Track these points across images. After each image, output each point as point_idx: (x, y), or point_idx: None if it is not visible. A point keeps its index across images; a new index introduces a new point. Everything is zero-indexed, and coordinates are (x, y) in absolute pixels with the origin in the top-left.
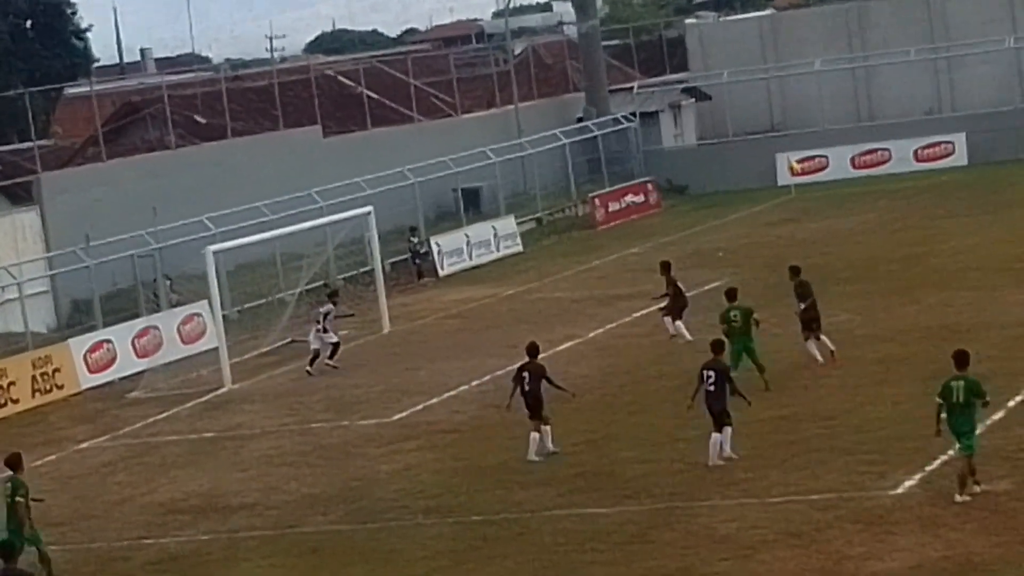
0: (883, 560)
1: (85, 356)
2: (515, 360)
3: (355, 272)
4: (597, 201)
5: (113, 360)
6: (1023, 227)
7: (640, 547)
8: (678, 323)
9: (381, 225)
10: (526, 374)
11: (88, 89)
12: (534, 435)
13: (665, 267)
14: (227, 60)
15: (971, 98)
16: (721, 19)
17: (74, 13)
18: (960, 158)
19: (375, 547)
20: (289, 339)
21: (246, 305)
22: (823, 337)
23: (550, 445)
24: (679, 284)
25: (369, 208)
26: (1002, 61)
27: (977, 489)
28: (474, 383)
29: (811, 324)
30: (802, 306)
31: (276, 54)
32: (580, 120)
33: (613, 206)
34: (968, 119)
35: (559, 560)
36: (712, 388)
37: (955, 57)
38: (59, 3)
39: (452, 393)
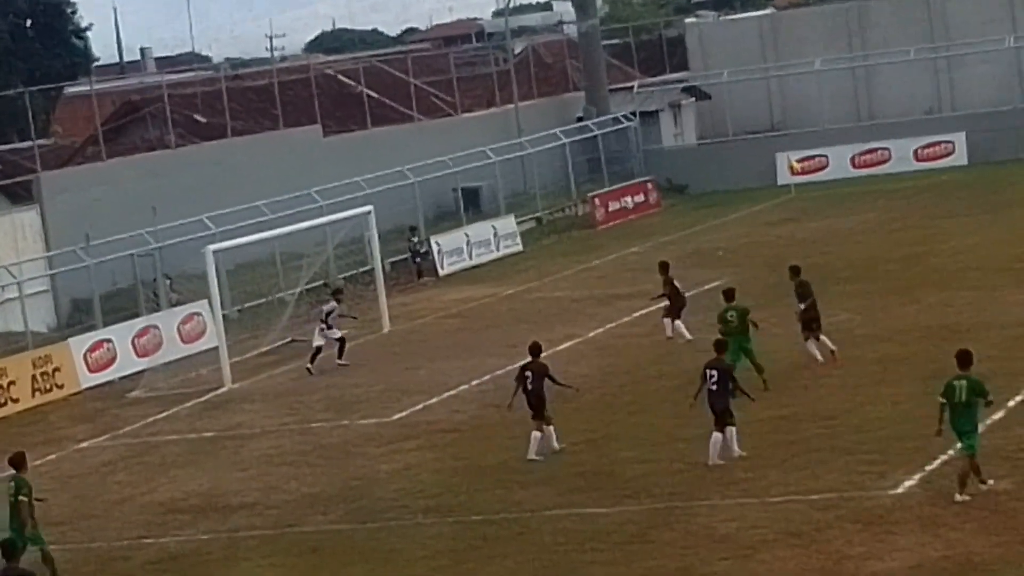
0: (883, 560)
1: (85, 355)
2: (515, 360)
3: (355, 272)
4: (597, 200)
5: (113, 359)
6: (1023, 227)
7: (640, 547)
8: (677, 323)
9: (381, 224)
10: (529, 373)
11: (88, 88)
12: (535, 434)
13: (663, 267)
14: (227, 59)
15: (971, 98)
16: (721, 18)
17: (74, 12)
18: (960, 158)
19: (375, 546)
20: (289, 339)
21: (246, 304)
22: (823, 337)
23: (555, 444)
24: (676, 284)
25: (369, 207)
26: (1002, 61)
27: (984, 487)
28: (474, 383)
29: (811, 324)
30: (802, 307)
31: (276, 53)
32: (580, 119)
33: (613, 205)
34: (968, 119)
35: (559, 560)
36: (714, 387)
37: (955, 57)
38: (59, 2)
39: (452, 392)
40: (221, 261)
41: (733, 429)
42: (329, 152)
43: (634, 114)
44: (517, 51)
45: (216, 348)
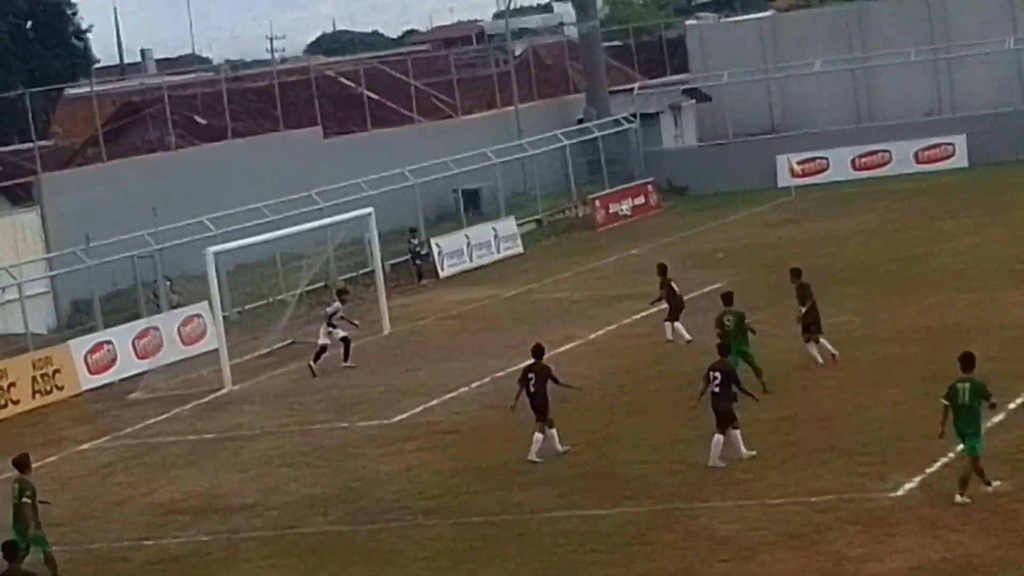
0: (883, 561)
1: (85, 357)
2: (515, 361)
3: (355, 273)
4: (597, 202)
5: (113, 361)
6: (1023, 228)
7: (640, 548)
8: (676, 325)
9: (381, 226)
10: (532, 375)
11: (88, 89)
12: (537, 435)
13: (661, 269)
14: (227, 61)
15: (971, 99)
16: (721, 20)
17: (74, 13)
18: (960, 159)
19: (375, 548)
20: (289, 340)
21: (246, 306)
22: (823, 340)
23: (558, 446)
24: (674, 286)
25: (369, 209)
26: (1002, 62)
27: (988, 489)
28: (474, 384)
29: (810, 326)
30: (803, 310)
31: (276, 55)
32: (580, 121)
33: (613, 207)
34: (968, 120)
35: (559, 561)
36: (717, 389)
37: (955, 58)
38: (59, 3)
39: (452, 394)
40: (221, 262)
41: (737, 432)
42: (329, 153)
43: (634, 116)
44: (517, 53)
45: (216, 350)
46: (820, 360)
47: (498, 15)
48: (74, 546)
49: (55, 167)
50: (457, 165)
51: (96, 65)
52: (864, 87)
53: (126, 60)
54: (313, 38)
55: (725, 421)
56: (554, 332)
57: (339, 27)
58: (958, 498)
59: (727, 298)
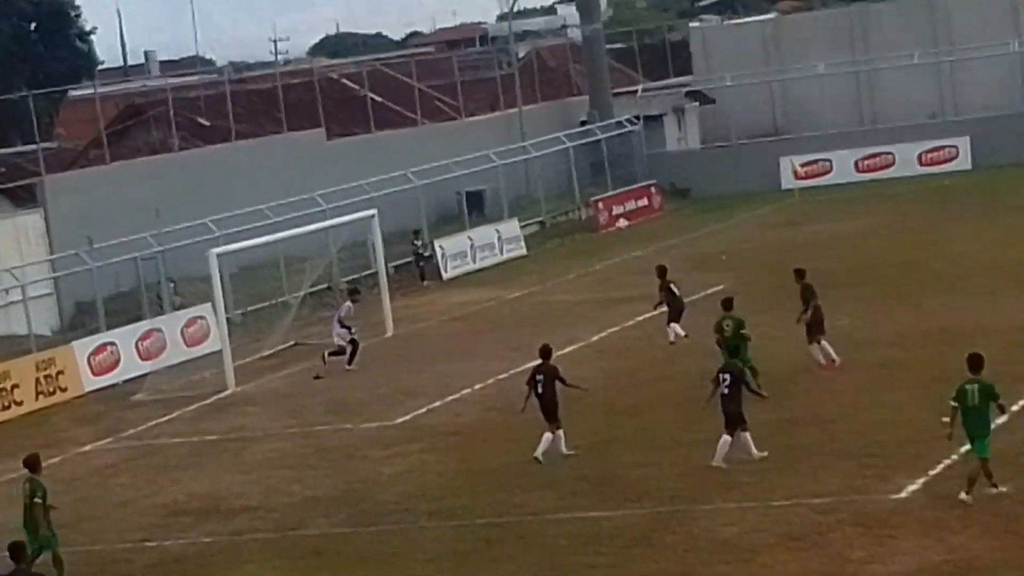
0: (885, 564)
1: (88, 358)
2: (518, 363)
3: (359, 275)
4: (600, 204)
5: (117, 363)
6: None
7: (642, 550)
8: (672, 325)
9: (384, 228)
10: (540, 376)
11: (92, 91)
12: (547, 435)
13: (660, 271)
14: (230, 63)
15: (975, 101)
16: (725, 22)
17: (78, 15)
18: (964, 162)
19: (377, 550)
20: (293, 342)
21: (250, 308)
22: (824, 342)
23: (563, 449)
24: (673, 288)
25: (373, 211)
26: (1005, 64)
27: (994, 491)
28: (477, 386)
29: (811, 328)
30: (807, 312)
31: (280, 57)
32: (584, 123)
33: (616, 209)
34: (972, 123)
35: (561, 563)
36: (727, 391)
37: (959, 61)
38: (63, 5)
39: (455, 396)
40: (225, 264)
41: (747, 434)
42: (333, 155)
43: (638, 118)
44: (521, 55)
45: (219, 351)
46: (823, 361)
47: (501, 17)
48: (76, 547)
49: (58, 169)
50: (460, 167)
51: (99, 67)
52: (867, 89)
53: (129, 62)
54: (316, 40)
55: (734, 423)
56: (556, 334)
57: (342, 29)
58: (963, 495)
59: (727, 304)
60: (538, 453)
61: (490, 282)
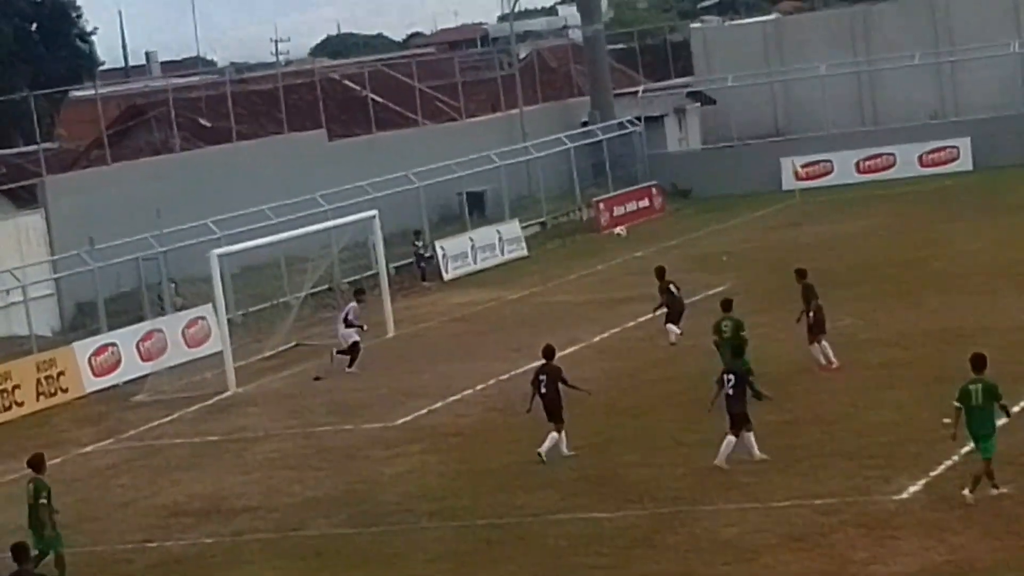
0: (887, 564)
1: (89, 359)
2: (519, 364)
3: (360, 276)
4: (601, 205)
5: (118, 363)
6: None
7: (643, 551)
8: (669, 326)
9: (385, 229)
10: (543, 377)
11: (93, 92)
12: (553, 434)
13: (659, 273)
14: (232, 63)
15: (976, 102)
16: (726, 23)
17: (79, 16)
18: (965, 162)
19: (378, 550)
20: (294, 343)
21: (251, 309)
22: (825, 343)
23: (564, 449)
24: (672, 288)
25: (374, 212)
26: (1007, 65)
27: (994, 492)
28: (478, 387)
29: (812, 328)
30: (810, 314)
31: (281, 57)
32: (585, 124)
33: (617, 210)
34: (973, 123)
35: (562, 564)
36: (731, 391)
37: (960, 61)
38: (64, 6)
39: (456, 397)
40: (226, 265)
41: (751, 435)
42: (334, 156)
43: (639, 119)
44: (522, 56)
45: (221, 352)
46: (824, 362)
47: (502, 18)
48: (77, 548)
49: (59, 169)
50: (461, 168)
51: (100, 67)
52: (868, 90)
53: (131, 63)
54: (317, 41)
55: (739, 423)
56: (558, 335)
57: (343, 30)
58: (965, 491)
59: (726, 305)
60: (542, 449)
61: (491, 283)
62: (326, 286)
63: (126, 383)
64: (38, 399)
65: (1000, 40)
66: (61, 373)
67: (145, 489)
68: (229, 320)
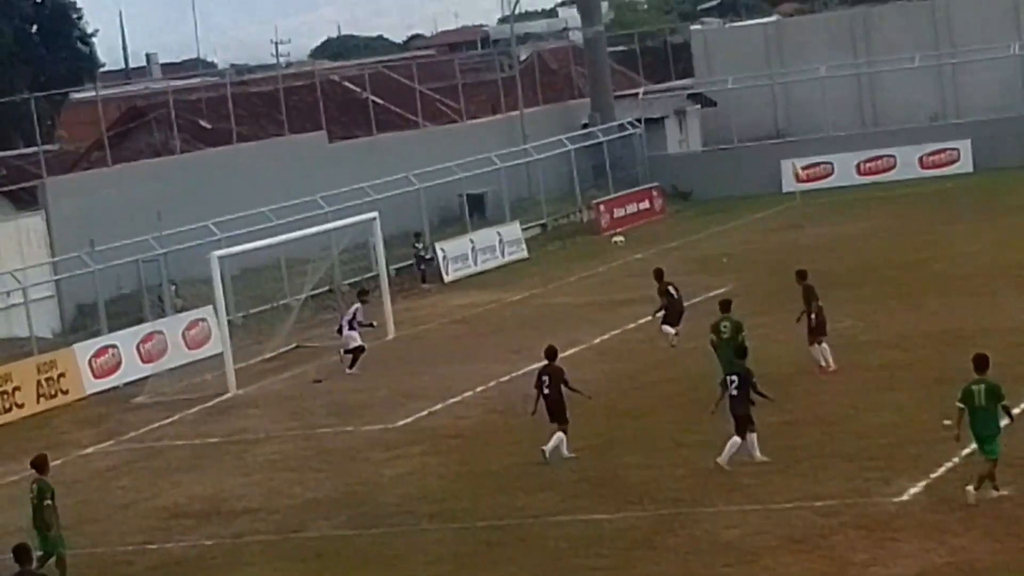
0: (887, 566)
1: (90, 361)
2: (520, 366)
3: (360, 277)
4: (602, 207)
5: (118, 365)
6: None
7: (643, 553)
8: (665, 327)
9: (386, 230)
10: (546, 378)
11: (93, 94)
12: (559, 434)
13: (658, 274)
14: (232, 65)
15: (976, 104)
16: (726, 25)
17: (80, 18)
18: (966, 164)
19: (378, 552)
20: (294, 344)
21: (251, 310)
22: (824, 344)
23: (565, 451)
24: (671, 290)
25: (374, 213)
26: (1007, 67)
27: (995, 494)
28: (478, 388)
29: (812, 329)
30: (812, 316)
31: (281, 59)
32: (585, 126)
33: (618, 212)
34: (973, 125)
35: (562, 565)
36: (735, 393)
37: (960, 63)
38: (65, 7)
39: (456, 398)
40: (226, 267)
41: (754, 436)
42: (334, 158)
43: (639, 121)
44: (522, 57)
45: (221, 354)
46: (823, 363)
47: (503, 20)
48: (78, 550)
49: (60, 171)
50: (462, 170)
51: (101, 69)
52: (869, 92)
53: (131, 64)
54: (318, 43)
55: (744, 425)
56: (558, 336)
57: (344, 32)
58: (969, 488)
59: (725, 305)
60: (547, 447)
61: (491, 284)
62: (326, 288)
63: (126, 385)
64: (38, 401)
65: (1000, 42)
66: (61, 375)
67: (145, 491)
68: (229, 322)
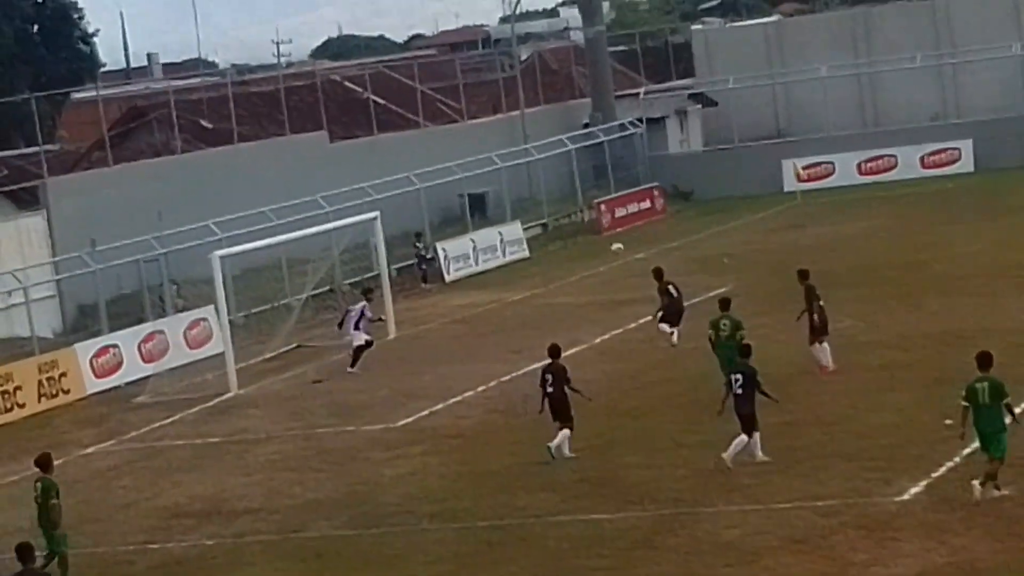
0: (888, 566)
1: (91, 361)
2: (520, 366)
3: (361, 277)
4: (603, 207)
5: (119, 365)
6: None
7: (644, 553)
8: (662, 325)
9: (387, 230)
10: (549, 376)
11: (94, 94)
12: (565, 431)
13: (657, 274)
14: (233, 65)
15: (977, 104)
16: (727, 25)
17: (81, 18)
18: (967, 164)
19: (379, 552)
20: (295, 344)
21: (252, 310)
22: (825, 344)
23: (566, 451)
24: (671, 290)
25: (375, 213)
26: (1008, 67)
27: (996, 493)
28: (479, 388)
29: (814, 329)
30: (814, 316)
31: (282, 59)
32: (586, 126)
33: (619, 212)
34: (974, 125)
35: (563, 565)
36: (740, 392)
37: (961, 63)
38: (66, 8)
39: (457, 398)
40: (227, 266)
41: (757, 435)
42: (335, 158)
43: (640, 120)
44: (523, 57)
45: (222, 353)
46: (824, 363)
47: (504, 20)
48: (79, 549)
49: (61, 171)
50: (463, 170)
51: (102, 69)
52: (870, 92)
53: (132, 64)
54: (319, 42)
55: (749, 424)
56: (559, 336)
57: (345, 31)
58: (975, 483)
59: (724, 304)
60: (552, 444)
61: (492, 284)
62: (327, 288)
63: (127, 384)
64: (39, 400)
65: (1001, 42)
66: (63, 374)
67: (146, 491)
68: (230, 322)
